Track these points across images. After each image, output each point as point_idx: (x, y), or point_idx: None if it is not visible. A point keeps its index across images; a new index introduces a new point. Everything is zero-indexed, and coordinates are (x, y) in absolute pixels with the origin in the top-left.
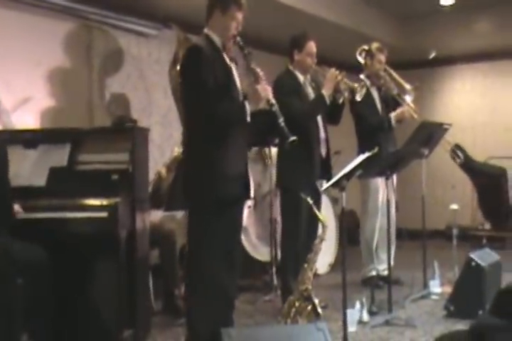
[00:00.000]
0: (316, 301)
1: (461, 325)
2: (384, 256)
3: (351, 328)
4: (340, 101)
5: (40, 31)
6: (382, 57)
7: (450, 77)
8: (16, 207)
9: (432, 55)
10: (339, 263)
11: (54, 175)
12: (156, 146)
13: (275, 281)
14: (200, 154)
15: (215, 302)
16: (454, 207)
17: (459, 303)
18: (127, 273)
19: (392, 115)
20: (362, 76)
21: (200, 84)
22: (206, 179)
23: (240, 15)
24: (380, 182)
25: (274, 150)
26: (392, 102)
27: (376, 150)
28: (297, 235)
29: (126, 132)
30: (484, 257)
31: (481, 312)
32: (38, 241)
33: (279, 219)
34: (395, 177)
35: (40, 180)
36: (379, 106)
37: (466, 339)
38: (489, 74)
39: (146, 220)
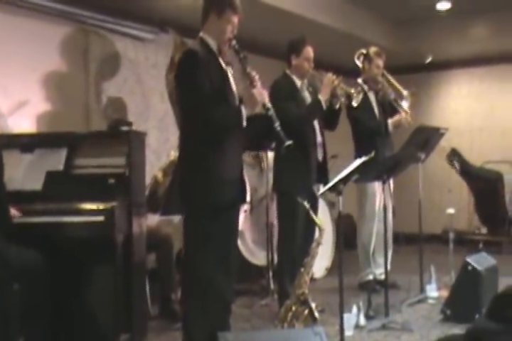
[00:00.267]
0: (313, 305)
1: (458, 329)
2: (381, 260)
3: (348, 332)
4: (337, 106)
5: (36, 35)
6: (380, 62)
7: (446, 81)
8: (13, 211)
9: (429, 60)
10: (336, 267)
11: (50, 179)
12: (153, 150)
13: (272, 285)
14: (196, 158)
15: (211, 306)
16: (451, 211)
17: (455, 307)
18: (124, 278)
19: (390, 121)
20: (359, 80)
21: (195, 88)
22: (202, 183)
23: (235, 19)
24: (377, 186)
25: (270, 155)
26: (389, 107)
27: (373, 154)
28: (294, 239)
29: (123, 136)
30: (481, 261)
31: (477, 316)
32: (35, 245)
33: (275, 223)
34: (391, 181)
35: (37, 184)
36: (376, 110)
37: None
38: (485, 79)
39: (143, 224)
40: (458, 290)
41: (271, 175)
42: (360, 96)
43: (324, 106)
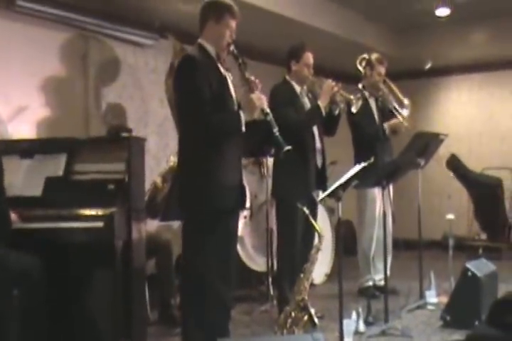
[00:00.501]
0: (313, 311)
1: (458, 335)
2: (380, 266)
3: (347, 338)
4: (336, 112)
5: (36, 41)
6: (382, 69)
7: (446, 87)
8: (13, 216)
9: (428, 66)
10: (335, 273)
11: (50, 184)
12: (152, 156)
13: (271, 291)
14: (196, 163)
15: (211, 312)
16: (450, 217)
17: (455, 313)
18: (123, 283)
19: (386, 125)
20: (360, 85)
21: (194, 93)
22: (201, 189)
23: (233, 23)
24: (377, 192)
25: (270, 161)
26: (388, 113)
27: (372, 160)
28: (293, 245)
29: (123, 142)
30: (480, 267)
31: (477, 322)
32: (34, 251)
33: (275, 229)
34: (391, 187)
35: (36, 190)
36: (376, 116)
37: None
38: (485, 85)
39: (142, 230)
40: (457, 296)
41: (271, 181)
42: (360, 102)
43: (323, 113)
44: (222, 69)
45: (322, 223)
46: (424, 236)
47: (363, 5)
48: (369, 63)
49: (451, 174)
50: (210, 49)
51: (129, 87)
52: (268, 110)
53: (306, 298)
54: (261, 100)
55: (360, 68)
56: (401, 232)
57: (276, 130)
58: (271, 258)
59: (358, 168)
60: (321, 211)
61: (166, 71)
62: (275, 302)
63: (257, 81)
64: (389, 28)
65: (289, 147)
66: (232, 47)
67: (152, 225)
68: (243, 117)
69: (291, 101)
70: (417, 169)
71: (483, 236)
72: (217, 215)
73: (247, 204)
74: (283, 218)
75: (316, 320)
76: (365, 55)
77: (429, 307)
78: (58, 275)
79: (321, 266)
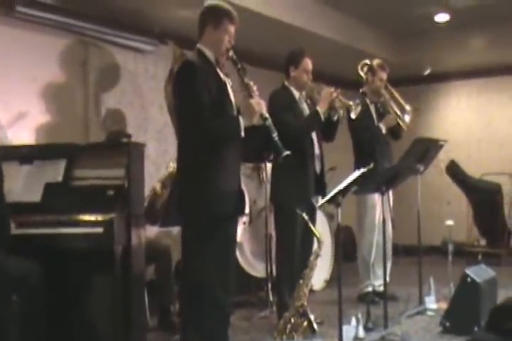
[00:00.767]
0: (312, 317)
1: None
2: (380, 272)
3: None
4: (335, 118)
5: (36, 47)
6: (384, 75)
7: (445, 93)
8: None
9: (427, 72)
10: (335, 279)
11: (49, 190)
12: (152, 162)
13: (271, 297)
14: (195, 169)
15: (210, 318)
16: (450, 222)
17: (454, 319)
18: (122, 289)
19: (382, 124)
20: (362, 90)
21: (193, 98)
22: (200, 194)
23: (232, 29)
24: (377, 198)
25: (269, 166)
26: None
27: (372, 166)
28: (292, 251)
29: (122, 148)
30: (480, 273)
31: (476, 328)
32: (34, 256)
33: (274, 234)
34: (391, 193)
35: (36, 196)
36: (376, 121)
37: None
38: (484, 91)
39: (142, 236)
40: (457, 302)
41: (269, 187)
42: (359, 108)
43: (322, 118)
44: (221, 75)
45: (321, 229)
46: (424, 242)
47: (362, 11)
48: (371, 69)
49: (451, 179)
50: (209, 54)
51: (128, 93)
52: (267, 115)
53: (306, 303)
54: (260, 105)
55: (362, 74)
56: (400, 238)
57: (275, 135)
58: (270, 264)
59: (357, 173)
60: (321, 217)
61: (166, 77)
62: (274, 308)
63: (254, 87)
64: (388, 34)
65: (288, 152)
66: (231, 53)
67: (152, 231)
68: (242, 122)
69: (290, 107)
70: (416, 175)
71: (483, 242)
72: (216, 221)
73: (247, 210)
74: (282, 224)
75: (315, 326)
76: (367, 61)
77: (429, 313)
78: (58, 280)
79: (320, 272)
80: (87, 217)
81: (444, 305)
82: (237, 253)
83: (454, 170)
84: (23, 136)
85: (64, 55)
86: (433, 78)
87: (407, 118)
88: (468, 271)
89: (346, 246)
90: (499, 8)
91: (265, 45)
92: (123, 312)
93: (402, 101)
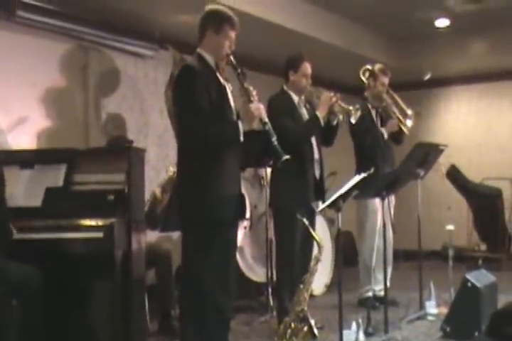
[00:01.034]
0: (312, 322)
1: None
2: (380, 277)
3: None
4: (335, 123)
5: (36, 52)
6: (386, 80)
7: (446, 98)
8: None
9: (428, 77)
10: (335, 284)
11: (50, 195)
12: (152, 167)
13: (271, 302)
14: (194, 173)
15: (210, 323)
16: (450, 227)
17: (455, 324)
18: (123, 294)
19: (384, 129)
20: (364, 95)
21: (193, 103)
22: (200, 199)
23: (233, 34)
24: (378, 203)
25: (269, 171)
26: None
27: (372, 170)
28: (292, 256)
29: (122, 152)
30: (480, 278)
31: (477, 333)
32: (34, 261)
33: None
34: (393, 198)
35: (36, 201)
36: (378, 126)
37: None
38: (484, 96)
39: (142, 241)
40: (457, 307)
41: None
42: (359, 112)
43: (322, 123)
44: (221, 79)
45: (322, 234)
46: (424, 246)
47: (362, 16)
48: (372, 74)
49: (451, 184)
50: (209, 59)
51: (129, 98)
52: (266, 120)
53: (306, 308)
54: (259, 110)
55: (364, 79)
56: (401, 243)
57: (274, 139)
58: (271, 269)
59: (357, 178)
60: (321, 221)
61: (166, 82)
62: (275, 313)
63: (254, 92)
64: (388, 39)
65: (287, 156)
66: (231, 58)
67: (152, 235)
68: (241, 127)
69: (289, 111)
70: (416, 180)
71: (483, 246)
72: (216, 226)
73: (247, 215)
74: (281, 228)
75: (315, 330)
76: (369, 66)
77: (429, 318)
78: (58, 285)
79: (320, 277)
80: (87, 222)
81: (444, 310)
82: (238, 257)
83: (455, 175)
84: (24, 140)
85: (64, 59)
86: (433, 83)
87: (409, 122)
88: (468, 276)
89: (346, 250)
90: (499, 13)
91: (265, 50)
92: (123, 317)
93: (403, 106)
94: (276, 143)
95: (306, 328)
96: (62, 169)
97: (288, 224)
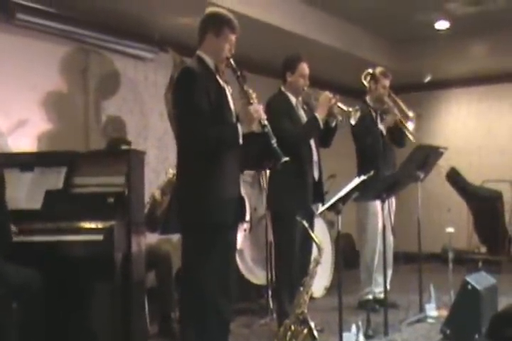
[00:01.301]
0: (312, 324)
1: None
2: (380, 279)
3: None
4: (333, 124)
5: (36, 54)
6: (387, 82)
7: (446, 100)
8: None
9: (428, 79)
10: (335, 287)
11: (50, 198)
12: (152, 169)
13: (271, 305)
14: (194, 176)
15: (210, 325)
16: (450, 230)
17: (455, 327)
18: (123, 296)
19: (382, 126)
20: (366, 98)
21: (192, 105)
22: (200, 201)
23: (233, 37)
24: (378, 205)
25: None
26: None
27: (372, 173)
28: (291, 258)
29: (122, 155)
30: (480, 281)
31: (477, 335)
32: (34, 264)
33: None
34: (394, 201)
35: (36, 203)
36: (379, 128)
37: None
38: (484, 98)
39: (142, 243)
40: (457, 309)
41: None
42: (358, 114)
43: (321, 125)
44: (221, 82)
45: (322, 236)
46: (424, 249)
47: (362, 18)
48: (373, 77)
49: (451, 187)
50: (209, 61)
51: (129, 101)
52: (266, 122)
53: (306, 311)
54: (258, 112)
55: (365, 83)
56: (401, 245)
57: (274, 141)
58: (270, 272)
59: (357, 180)
60: (321, 224)
61: (166, 84)
62: (275, 315)
63: (254, 94)
64: (388, 41)
65: (286, 158)
66: (231, 61)
67: (152, 237)
68: (240, 129)
69: (287, 113)
70: (416, 182)
71: (483, 249)
72: (216, 228)
73: (247, 217)
74: (280, 231)
75: (315, 333)
76: (370, 70)
77: (429, 320)
78: (58, 288)
79: (320, 280)
80: (87, 225)
81: (444, 313)
82: (238, 260)
83: (455, 178)
84: (24, 143)
85: (64, 62)
86: (433, 85)
87: (410, 125)
88: (468, 279)
89: (346, 253)
90: (499, 16)
91: (264, 52)
92: (123, 319)
93: (405, 108)
94: (275, 145)
95: (306, 331)
96: (63, 172)
97: (287, 226)
